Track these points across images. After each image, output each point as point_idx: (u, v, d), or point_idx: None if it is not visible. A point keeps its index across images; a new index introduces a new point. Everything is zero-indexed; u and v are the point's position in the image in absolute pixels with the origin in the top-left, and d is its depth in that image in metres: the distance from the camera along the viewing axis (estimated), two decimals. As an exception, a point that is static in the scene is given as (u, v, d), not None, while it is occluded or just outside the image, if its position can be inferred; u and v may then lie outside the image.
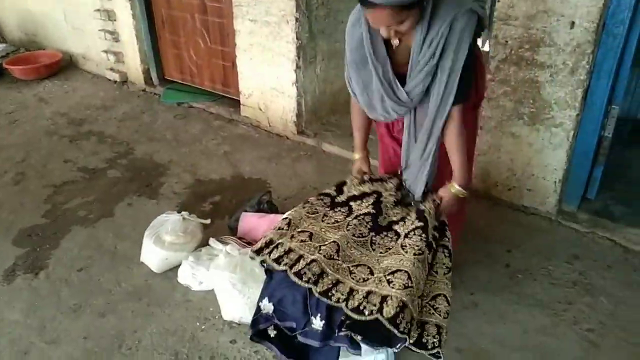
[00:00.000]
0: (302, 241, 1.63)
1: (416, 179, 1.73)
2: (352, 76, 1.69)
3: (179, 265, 2.21)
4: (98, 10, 4.25)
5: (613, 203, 2.57)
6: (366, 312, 1.43)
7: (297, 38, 3.12)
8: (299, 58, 3.19)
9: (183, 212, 2.33)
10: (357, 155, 1.91)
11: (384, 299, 1.45)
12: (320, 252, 1.58)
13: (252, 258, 1.67)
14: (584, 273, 2.19)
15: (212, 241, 2.23)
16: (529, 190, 2.53)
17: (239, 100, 3.69)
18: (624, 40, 2.13)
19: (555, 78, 2.26)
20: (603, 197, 2.59)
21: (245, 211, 2.42)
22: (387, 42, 1.56)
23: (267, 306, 1.66)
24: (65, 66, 4.85)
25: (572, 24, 2.14)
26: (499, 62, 2.36)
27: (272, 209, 2.46)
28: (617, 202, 2.58)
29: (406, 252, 1.58)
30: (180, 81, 4.20)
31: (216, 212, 2.65)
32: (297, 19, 3.07)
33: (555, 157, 2.39)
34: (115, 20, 4.22)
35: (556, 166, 2.40)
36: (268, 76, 3.38)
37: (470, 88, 1.61)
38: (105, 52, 4.42)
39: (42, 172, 3.09)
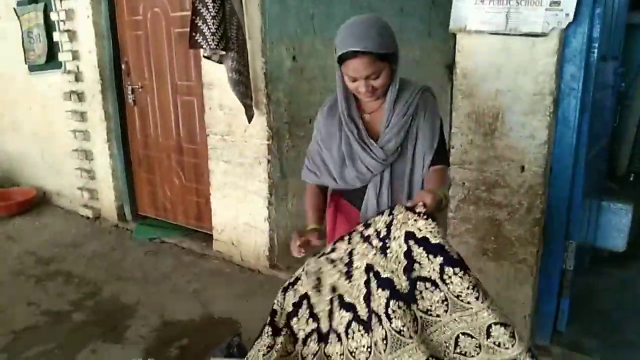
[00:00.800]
0: None
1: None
2: (324, 154, 1.81)
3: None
4: (76, 150, 4.41)
5: (584, 335, 2.59)
6: None
7: (269, 177, 3.27)
8: (271, 195, 3.31)
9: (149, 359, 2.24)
10: (311, 226, 1.83)
11: None
12: None
13: None
14: (564, 413, 2.14)
15: (179, 392, 2.13)
16: (500, 325, 2.54)
17: (211, 235, 3.73)
18: (571, 180, 2.32)
19: (513, 217, 2.39)
20: (573, 330, 2.61)
21: (214, 356, 2.34)
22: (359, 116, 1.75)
23: None
24: (38, 202, 4.88)
25: (522, 168, 2.32)
26: (459, 202, 2.51)
27: (242, 353, 2.38)
28: (588, 334, 2.60)
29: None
30: (153, 217, 4.25)
31: (184, 357, 2.55)
32: (269, 161, 3.25)
33: (522, 291, 2.44)
34: (92, 159, 4.36)
35: (524, 301, 2.45)
36: (241, 212, 3.47)
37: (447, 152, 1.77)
38: (80, 189, 4.50)
39: (3, 317, 2.96)
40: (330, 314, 1.69)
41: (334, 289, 1.68)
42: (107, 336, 2.76)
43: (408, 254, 1.52)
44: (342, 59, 1.59)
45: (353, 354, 1.59)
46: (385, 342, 1.48)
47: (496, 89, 2.31)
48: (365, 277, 1.61)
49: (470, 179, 2.46)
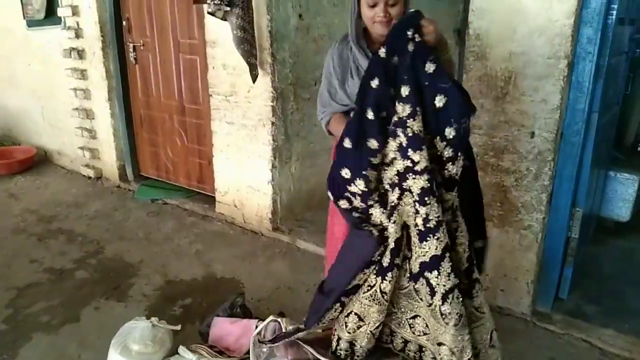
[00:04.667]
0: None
1: None
2: (334, 82, 1.86)
3: (146, 377, 2.09)
4: (77, 109, 4.35)
5: (585, 303, 2.60)
6: None
7: (273, 140, 3.23)
8: (274, 158, 3.28)
9: (152, 318, 2.24)
10: None
11: None
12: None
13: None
14: (563, 378, 2.16)
15: (182, 350, 2.13)
16: (502, 291, 2.55)
17: (214, 197, 3.71)
18: (581, 147, 2.28)
19: (520, 183, 2.36)
20: (575, 297, 2.62)
21: (218, 316, 2.35)
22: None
23: None
24: (39, 161, 4.85)
25: (532, 134, 2.28)
26: (467, 167, 2.47)
27: (246, 312, 2.40)
28: (589, 301, 2.61)
29: (447, 323, 1.68)
30: (155, 177, 4.23)
31: (187, 316, 2.56)
32: (273, 123, 3.19)
33: (526, 258, 2.43)
34: (93, 118, 4.30)
35: (527, 267, 2.44)
36: (244, 175, 3.44)
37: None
38: (82, 148, 4.46)
39: (6, 274, 2.97)
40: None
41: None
42: (110, 294, 2.77)
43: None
44: None
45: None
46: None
47: (510, 51, 2.24)
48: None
49: (479, 144, 2.41)
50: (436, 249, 1.64)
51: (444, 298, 1.66)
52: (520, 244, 2.44)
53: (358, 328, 1.83)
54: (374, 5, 1.68)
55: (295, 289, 2.82)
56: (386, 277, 1.73)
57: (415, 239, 1.68)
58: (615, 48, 2.31)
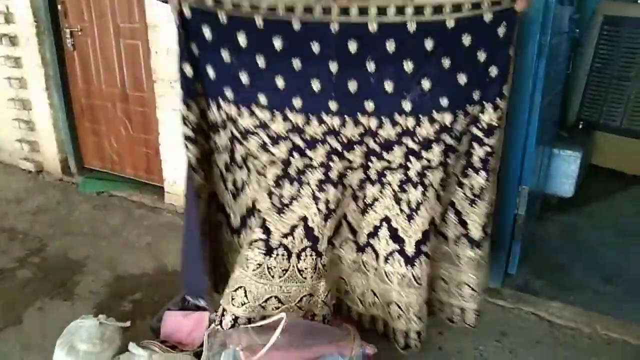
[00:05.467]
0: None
1: None
2: None
3: (94, 378, 2.01)
4: (12, 99, 4.10)
5: (533, 277, 2.68)
6: None
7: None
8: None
9: (100, 316, 2.15)
10: None
11: None
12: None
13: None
14: (514, 351, 2.22)
15: (132, 346, 2.06)
16: (454, 270, 2.59)
17: (162, 187, 3.60)
18: (526, 126, 2.32)
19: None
20: (523, 272, 2.70)
21: (169, 310, 2.28)
22: None
23: None
24: (-27, 156, 4.56)
25: (479, 113, 2.30)
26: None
27: (198, 305, 2.34)
28: (536, 276, 2.69)
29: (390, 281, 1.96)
30: (100, 169, 4.06)
31: (137, 312, 2.48)
32: (221, 108, 3.10)
33: (476, 236, 2.48)
34: (30, 109, 4.07)
35: (477, 245, 2.49)
36: (193, 164, 3.34)
37: None
38: (20, 141, 4.22)
39: (-61, 277, 2.79)
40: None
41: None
42: (56, 293, 2.65)
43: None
44: None
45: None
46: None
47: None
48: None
49: (428, 125, 2.42)
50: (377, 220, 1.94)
51: (386, 260, 1.94)
52: (470, 223, 2.48)
53: (243, 304, 1.87)
54: None
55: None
56: (272, 255, 1.85)
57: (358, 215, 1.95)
58: (556, 28, 2.35)
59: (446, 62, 1.64)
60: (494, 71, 1.68)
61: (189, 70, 1.79)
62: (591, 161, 3.72)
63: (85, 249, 3.08)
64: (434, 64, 1.64)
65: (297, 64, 1.66)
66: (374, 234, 1.94)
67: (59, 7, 3.71)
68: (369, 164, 1.81)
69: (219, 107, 1.82)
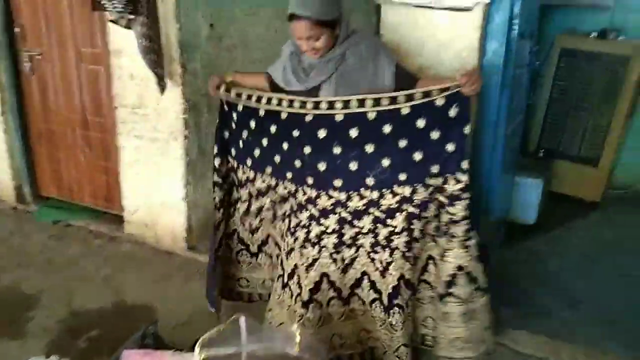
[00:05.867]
0: None
1: None
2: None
3: None
4: (-36, 124, 3.91)
5: (498, 305, 2.67)
6: None
7: (186, 154, 3.08)
8: (188, 174, 3.12)
9: (52, 356, 2.04)
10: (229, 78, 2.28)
11: None
12: None
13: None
14: (483, 383, 2.20)
15: (87, 389, 1.95)
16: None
17: (122, 217, 3.47)
18: (490, 156, 2.36)
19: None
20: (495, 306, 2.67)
21: (127, 348, 2.16)
22: None
23: None
24: None
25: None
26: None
27: (159, 342, 2.23)
28: (502, 303, 2.68)
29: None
30: (57, 197, 3.90)
31: (94, 350, 2.35)
32: (186, 137, 3.04)
33: (444, 266, 2.47)
34: (-17, 134, 3.89)
35: (445, 275, 2.48)
36: (155, 192, 3.25)
37: None
38: (-30, 168, 4.02)
39: None
40: None
41: None
42: (5, 331, 2.49)
43: None
44: (288, 18, 1.82)
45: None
46: None
47: (420, 65, 2.28)
48: None
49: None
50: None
51: (370, 304, 2.08)
52: (437, 253, 2.47)
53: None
54: (299, 39, 1.85)
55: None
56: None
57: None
58: (518, 61, 2.42)
59: (402, 143, 1.85)
60: (450, 147, 1.83)
61: (226, 134, 2.31)
62: (551, 188, 3.81)
63: (40, 282, 2.92)
64: (392, 145, 1.86)
65: (285, 145, 2.03)
66: (356, 285, 2.08)
67: (17, 30, 3.59)
68: (342, 231, 1.99)
69: (243, 171, 2.28)
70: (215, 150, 2.31)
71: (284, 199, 2.17)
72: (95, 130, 3.50)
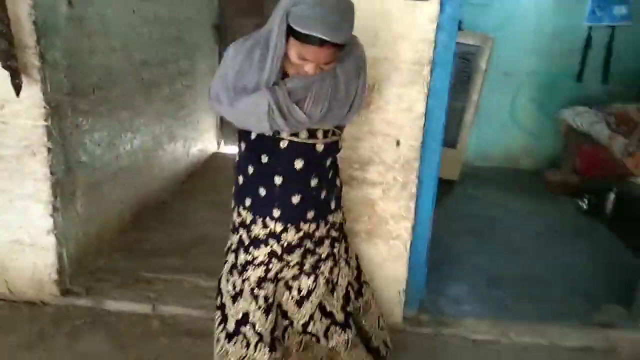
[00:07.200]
0: None
1: None
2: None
3: None
4: None
5: (445, 301, 2.71)
6: None
7: (50, 173, 2.34)
8: (55, 197, 2.38)
9: None
10: None
11: None
12: None
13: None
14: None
15: None
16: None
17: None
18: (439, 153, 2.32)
19: (387, 194, 2.27)
20: (433, 296, 2.69)
21: None
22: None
23: None
24: None
25: (398, 142, 2.19)
26: (335, 184, 2.24)
27: None
28: (448, 299, 2.73)
29: None
30: None
31: None
32: (49, 150, 2.30)
33: (397, 267, 2.37)
34: None
35: (399, 276, 2.38)
36: (4, 227, 2.41)
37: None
38: None
39: None
40: None
41: None
42: None
43: None
44: (302, 38, 1.37)
45: None
46: None
47: (373, 57, 2.06)
48: None
49: (343, 157, 2.20)
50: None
51: (325, 336, 1.85)
52: (389, 255, 2.36)
53: None
54: (303, 59, 1.43)
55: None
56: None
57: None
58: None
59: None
60: None
61: None
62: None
63: None
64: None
65: (250, 169, 1.66)
66: (308, 323, 1.85)
67: None
68: (304, 261, 1.76)
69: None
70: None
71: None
72: None
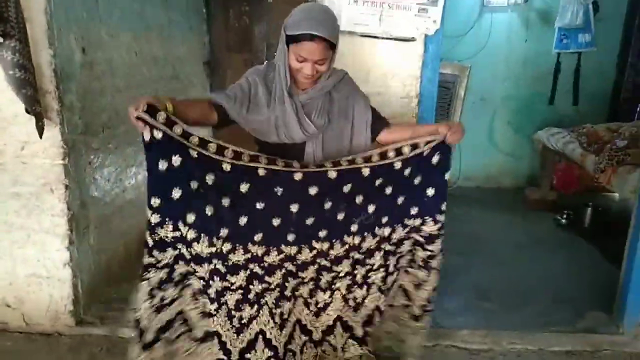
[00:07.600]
0: None
1: None
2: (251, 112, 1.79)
3: None
4: None
5: (440, 314, 2.84)
6: None
7: (68, 209, 2.48)
8: (71, 232, 2.52)
9: None
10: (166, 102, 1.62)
11: None
12: None
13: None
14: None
15: None
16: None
17: (-39, 301, 2.60)
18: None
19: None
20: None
21: None
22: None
23: None
24: None
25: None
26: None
27: None
28: (443, 312, 2.86)
29: None
30: None
31: None
32: (66, 187, 2.45)
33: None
34: None
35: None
36: (22, 261, 2.54)
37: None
38: None
39: None
40: None
41: None
42: None
43: None
44: (296, 39, 1.66)
45: None
46: None
47: (367, 92, 2.26)
48: None
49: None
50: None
51: (342, 349, 2.01)
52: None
53: None
54: (302, 61, 1.70)
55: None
56: None
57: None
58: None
59: (388, 190, 1.88)
60: (430, 192, 1.92)
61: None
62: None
63: None
64: (378, 192, 1.87)
65: (259, 205, 1.73)
66: (328, 332, 2.00)
67: None
68: (320, 277, 1.92)
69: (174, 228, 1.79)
70: (155, 202, 1.73)
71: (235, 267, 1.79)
72: None
